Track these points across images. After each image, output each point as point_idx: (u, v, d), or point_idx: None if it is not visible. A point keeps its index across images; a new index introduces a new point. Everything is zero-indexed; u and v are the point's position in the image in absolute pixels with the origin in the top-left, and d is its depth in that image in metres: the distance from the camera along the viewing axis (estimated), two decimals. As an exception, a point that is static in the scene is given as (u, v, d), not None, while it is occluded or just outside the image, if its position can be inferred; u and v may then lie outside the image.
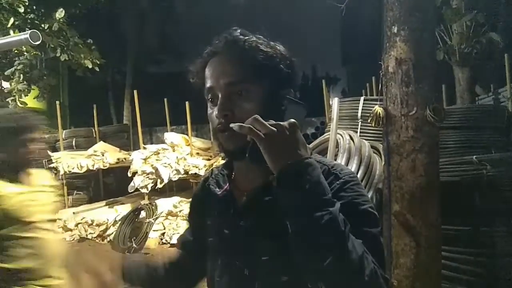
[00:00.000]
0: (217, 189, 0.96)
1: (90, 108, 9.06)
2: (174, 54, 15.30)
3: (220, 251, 0.91)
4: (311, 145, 3.23)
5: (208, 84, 0.86)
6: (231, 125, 0.74)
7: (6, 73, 8.24)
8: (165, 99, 8.54)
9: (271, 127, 0.70)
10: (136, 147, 8.43)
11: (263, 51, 0.84)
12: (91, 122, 9.16)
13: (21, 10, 7.12)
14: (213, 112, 0.86)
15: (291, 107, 0.84)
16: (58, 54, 7.87)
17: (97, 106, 9.06)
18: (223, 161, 1.03)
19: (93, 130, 8.94)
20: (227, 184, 0.94)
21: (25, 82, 8.24)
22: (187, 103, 7.58)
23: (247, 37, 0.86)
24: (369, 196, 2.43)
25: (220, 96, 0.83)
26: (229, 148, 0.84)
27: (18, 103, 8.45)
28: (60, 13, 7.52)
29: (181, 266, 1.06)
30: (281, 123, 0.71)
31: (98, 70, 8.52)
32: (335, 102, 3.60)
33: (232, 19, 1.03)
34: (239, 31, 0.87)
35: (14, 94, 8.28)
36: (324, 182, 0.71)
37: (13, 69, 8.15)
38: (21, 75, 8.20)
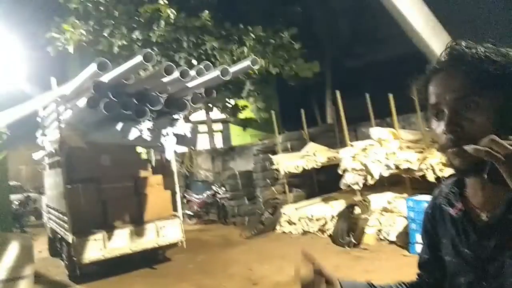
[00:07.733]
0: (450, 208, 0.92)
1: (297, 112, 9.82)
2: (369, 45, 14.89)
3: (462, 271, 0.90)
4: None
5: (433, 100, 0.85)
6: (465, 147, 0.71)
7: (242, 94, 10.15)
8: (367, 94, 8.47)
9: (510, 147, 0.64)
10: (343, 144, 8.69)
11: (493, 60, 0.78)
12: (298, 125, 9.96)
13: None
14: (438, 127, 0.84)
15: None
16: (269, 69, 9.10)
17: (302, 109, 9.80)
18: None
19: (303, 132, 9.72)
20: (460, 203, 0.91)
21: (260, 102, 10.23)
22: (390, 95, 7.33)
23: (472, 49, 0.81)
24: None
25: (446, 112, 0.81)
26: (459, 165, 0.81)
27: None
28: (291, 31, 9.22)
29: None
30: None
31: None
32: None
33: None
34: (464, 44, 0.83)
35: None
36: None
37: (246, 89, 9.98)
38: (255, 93, 10.03)
